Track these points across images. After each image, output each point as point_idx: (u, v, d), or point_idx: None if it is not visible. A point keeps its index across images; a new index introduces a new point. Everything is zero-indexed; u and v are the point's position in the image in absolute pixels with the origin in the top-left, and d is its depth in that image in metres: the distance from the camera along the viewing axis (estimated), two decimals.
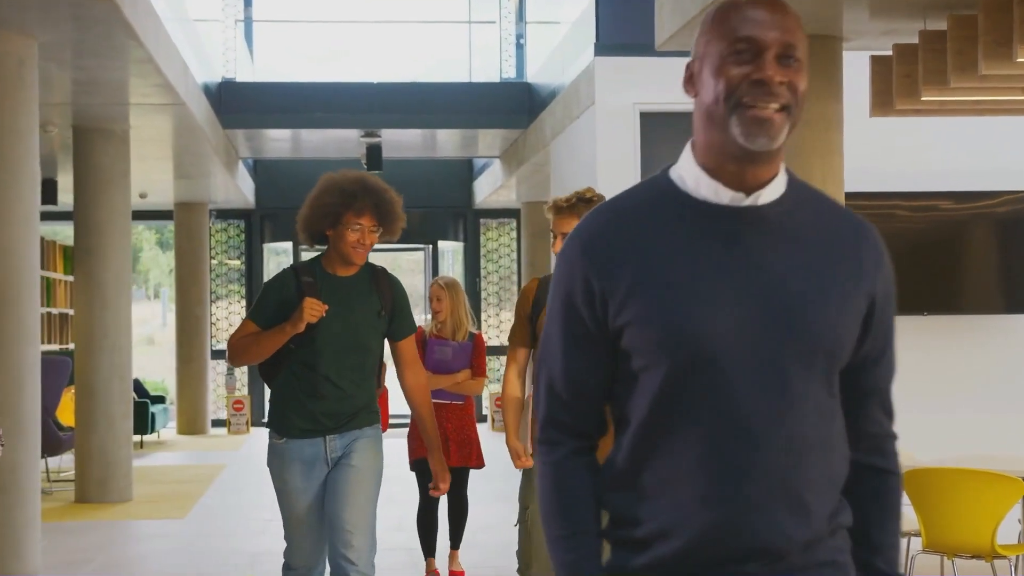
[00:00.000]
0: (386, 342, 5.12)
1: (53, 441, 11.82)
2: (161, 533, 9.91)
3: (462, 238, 19.57)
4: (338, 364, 4.90)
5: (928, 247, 10.50)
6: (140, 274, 28.72)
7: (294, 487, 4.97)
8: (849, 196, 8.99)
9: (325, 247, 5.00)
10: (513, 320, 5.25)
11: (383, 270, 5.09)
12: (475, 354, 7.59)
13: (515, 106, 14.43)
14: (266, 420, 5.34)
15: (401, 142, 15.74)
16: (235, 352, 5.00)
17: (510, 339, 5.22)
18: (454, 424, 7.50)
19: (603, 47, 10.58)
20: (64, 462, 13.56)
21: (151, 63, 8.80)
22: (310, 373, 4.90)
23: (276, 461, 5.02)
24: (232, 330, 16.24)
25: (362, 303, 4.95)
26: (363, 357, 4.96)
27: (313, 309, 4.80)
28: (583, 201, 4.87)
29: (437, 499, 7.46)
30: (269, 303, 4.97)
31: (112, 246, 11.37)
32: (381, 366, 5.20)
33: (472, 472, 7.68)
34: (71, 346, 15.69)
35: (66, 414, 12.69)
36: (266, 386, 5.38)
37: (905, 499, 6.05)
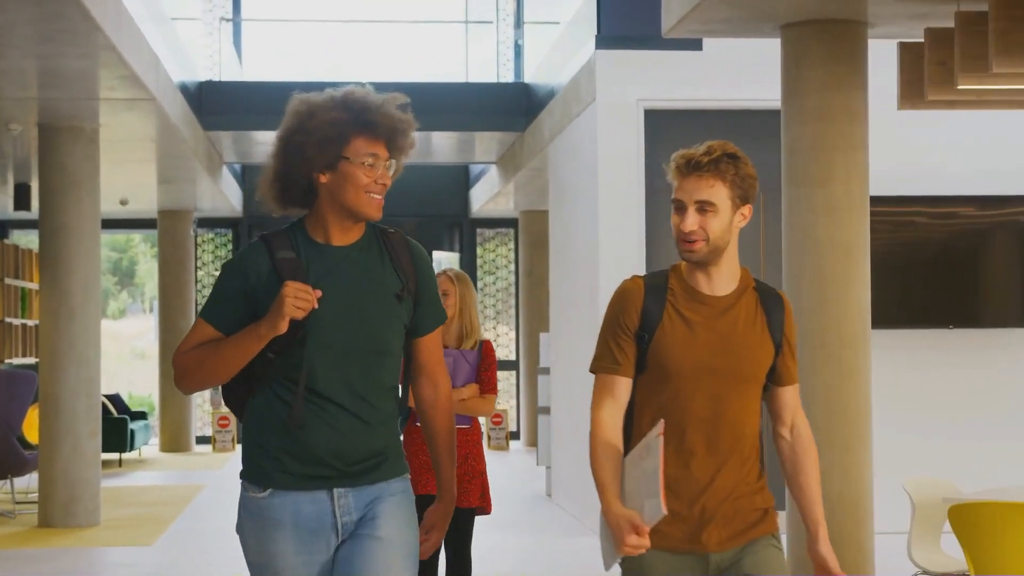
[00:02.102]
0: None
1: (17, 460, 11.11)
2: (125, 562, 9.18)
3: (458, 249, 18.92)
4: (343, 377, 3.32)
5: (948, 258, 9.85)
6: (137, 287, 28.10)
7: (283, 566, 3.36)
8: (877, 200, 8.29)
9: (304, 211, 3.44)
10: (600, 334, 3.61)
11: (398, 232, 3.50)
12: (484, 366, 6.01)
13: (512, 107, 13.73)
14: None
15: None
16: (184, 370, 3.38)
17: (599, 362, 3.56)
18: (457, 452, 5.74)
19: (604, 39, 9.87)
20: (32, 483, 12.83)
21: (114, 51, 8.13)
22: (295, 389, 3.33)
23: (254, 525, 3.39)
24: None
25: (373, 281, 3.38)
26: (380, 363, 3.37)
27: (299, 298, 3.22)
28: (730, 157, 3.44)
29: (435, 558, 5.60)
30: (230, 294, 3.36)
31: (80, 253, 10.67)
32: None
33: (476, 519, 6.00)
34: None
35: (33, 431, 11.98)
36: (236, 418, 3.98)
37: (952, 536, 5.35)
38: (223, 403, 3.71)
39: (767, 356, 3.47)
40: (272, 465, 3.34)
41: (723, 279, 3.47)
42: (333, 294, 3.31)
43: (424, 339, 3.51)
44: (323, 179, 3.33)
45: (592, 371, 3.48)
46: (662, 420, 3.31)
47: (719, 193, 3.38)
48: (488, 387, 6.00)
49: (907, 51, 7.03)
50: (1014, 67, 6.16)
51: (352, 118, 3.32)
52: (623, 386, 3.48)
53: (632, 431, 3.49)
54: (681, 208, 3.42)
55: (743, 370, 3.44)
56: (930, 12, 7.02)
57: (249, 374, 3.37)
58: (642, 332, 3.46)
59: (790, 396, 3.58)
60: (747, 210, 3.47)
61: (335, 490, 3.34)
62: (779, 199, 7.63)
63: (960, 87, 6.57)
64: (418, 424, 5.00)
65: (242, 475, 3.42)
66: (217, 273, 19.91)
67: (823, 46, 7.25)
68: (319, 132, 3.30)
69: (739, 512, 3.44)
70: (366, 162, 3.32)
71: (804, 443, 3.55)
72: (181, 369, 3.39)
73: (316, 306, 3.25)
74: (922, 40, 6.91)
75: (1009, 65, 6.14)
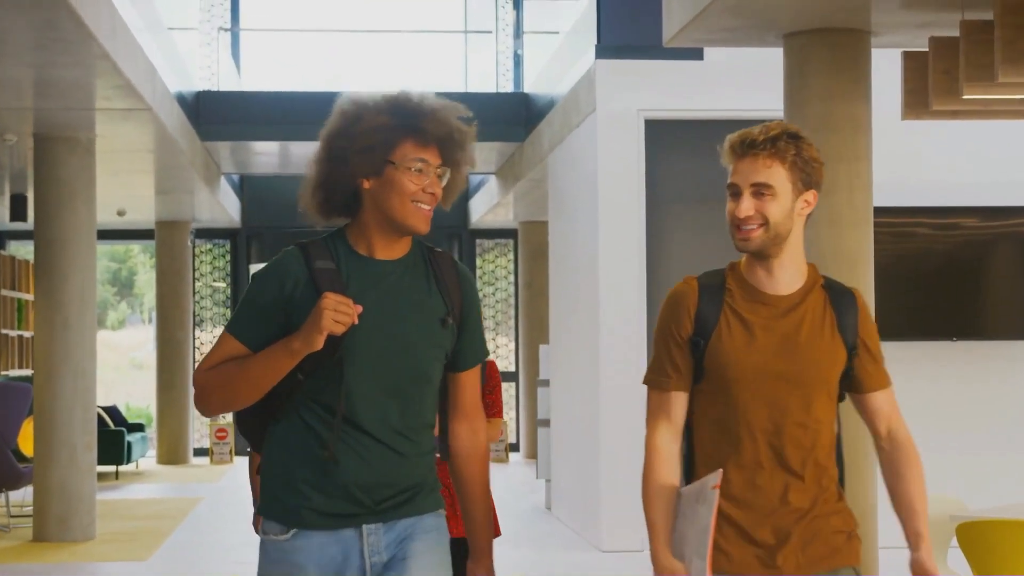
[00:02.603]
0: None
1: (12, 473, 11.01)
2: None
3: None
4: (380, 405, 3.03)
5: (952, 269, 9.77)
6: (136, 297, 28.04)
7: None
8: (881, 211, 8.21)
9: (346, 221, 3.14)
10: (654, 344, 3.27)
11: (446, 253, 3.22)
12: (488, 387, 5.63)
13: (511, 117, 13.66)
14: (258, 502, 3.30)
15: None
16: (207, 391, 3.06)
17: (651, 375, 3.23)
18: None
19: (605, 49, 9.80)
20: (27, 496, 12.72)
21: (109, 60, 8.05)
22: (331, 420, 3.01)
23: (275, 573, 3.07)
24: None
25: (417, 303, 3.09)
26: (420, 393, 3.08)
27: (339, 311, 2.91)
28: (790, 136, 3.14)
29: None
30: (262, 305, 3.05)
31: (75, 264, 10.59)
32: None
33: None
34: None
35: (28, 444, 11.88)
36: (250, 448, 3.47)
37: (959, 551, 5.26)
38: (239, 430, 3.20)
39: (837, 360, 3.19)
40: (298, 501, 3.02)
41: (786, 276, 3.17)
42: (374, 311, 3.00)
43: (463, 375, 3.19)
44: (367, 185, 3.05)
45: (645, 384, 3.20)
46: (720, 470, 3.04)
47: (777, 175, 3.10)
48: (493, 410, 5.60)
49: (911, 60, 6.94)
50: (1020, 76, 6.07)
51: (401, 122, 3.04)
52: (679, 403, 3.19)
53: (693, 451, 3.22)
54: (736, 193, 3.11)
55: (808, 375, 3.15)
56: (935, 21, 6.94)
57: (271, 397, 3.05)
58: (697, 338, 3.16)
59: (880, 402, 3.30)
60: (811, 196, 3.16)
61: (363, 527, 3.04)
62: None
63: (965, 96, 6.48)
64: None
65: (261, 511, 3.09)
66: (216, 284, 19.73)
67: (826, 55, 7.16)
68: (365, 137, 3.02)
69: (818, 534, 3.16)
70: (413, 167, 3.03)
71: (904, 451, 3.27)
72: (203, 389, 3.05)
73: (356, 322, 2.93)
74: (926, 49, 6.83)
75: (1015, 74, 6.05)
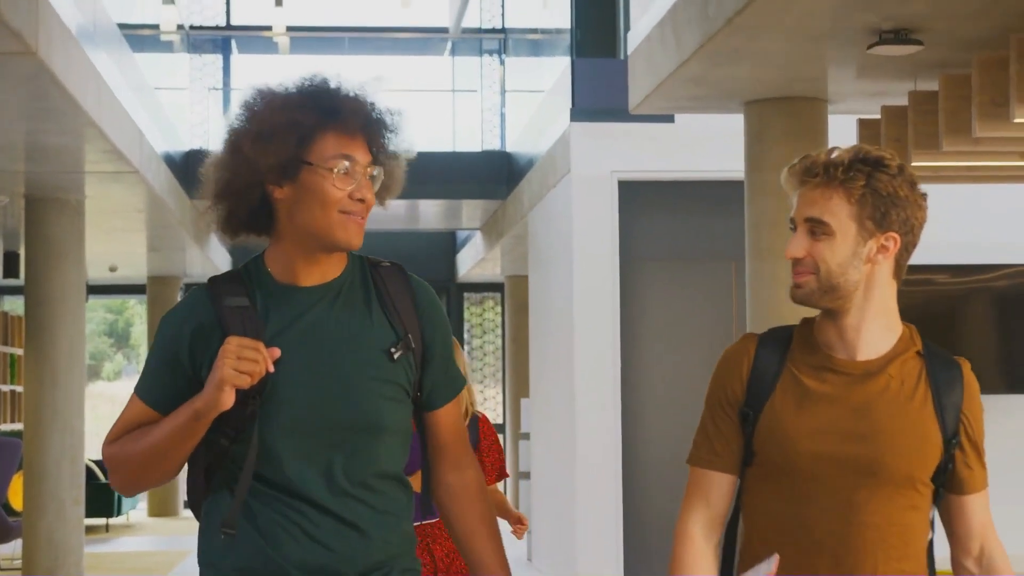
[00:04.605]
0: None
1: (2, 527, 11.20)
2: None
3: (445, 313, 19.07)
4: (319, 465, 2.43)
5: (925, 322, 9.99)
6: (132, 348, 28.21)
7: None
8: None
9: (261, 236, 2.53)
10: (702, 415, 2.64)
11: (396, 267, 2.58)
12: (483, 447, 4.95)
13: (494, 176, 13.96)
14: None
15: (383, 213, 15.19)
16: (112, 466, 2.50)
17: (692, 450, 2.64)
18: (446, 549, 4.80)
19: (579, 112, 10.10)
20: (16, 549, 12.90)
21: (95, 127, 8.32)
22: (267, 490, 2.43)
23: None
24: None
25: (354, 334, 2.48)
26: (371, 445, 2.46)
27: (243, 358, 2.33)
28: (863, 162, 2.47)
29: None
30: (161, 357, 2.49)
31: (65, 321, 10.82)
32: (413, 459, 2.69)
33: None
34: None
35: (18, 498, 12.08)
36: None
37: None
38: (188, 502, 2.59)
39: (930, 448, 2.48)
40: None
41: (865, 338, 2.51)
42: (298, 352, 2.42)
43: (438, 413, 2.59)
44: (279, 194, 2.43)
45: (687, 462, 2.61)
46: (776, 556, 2.42)
47: (837, 210, 2.46)
48: (491, 472, 4.95)
49: (865, 127, 7.22)
50: (963, 146, 6.34)
51: (318, 112, 2.41)
52: (721, 486, 2.56)
53: (740, 548, 2.60)
54: (793, 229, 2.53)
55: (889, 465, 2.45)
56: (887, 90, 7.23)
57: (203, 463, 2.49)
58: (746, 409, 2.52)
59: (976, 510, 2.54)
60: (891, 240, 2.49)
61: None
62: None
63: (914, 164, 6.75)
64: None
65: None
66: None
67: (785, 122, 7.44)
68: (273, 133, 2.39)
69: None
70: (336, 168, 2.41)
71: None
72: (108, 463, 2.51)
73: (271, 369, 2.36)
74: (879, 116, 7.11)
75: (958, 144, 6.32)
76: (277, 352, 2.38)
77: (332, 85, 2.44)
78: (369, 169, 2.45)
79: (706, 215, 9.92)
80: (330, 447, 2.42)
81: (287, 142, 2.39)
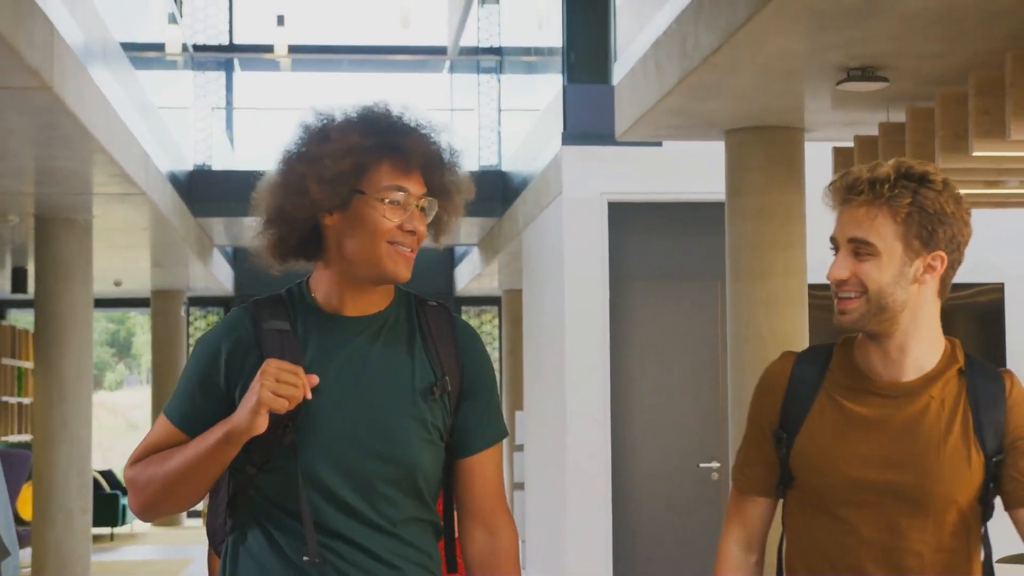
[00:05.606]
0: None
1: None
2: None
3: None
4: (352, 501, 2.35)
5: None
6: (134, 358, 28.53)
7: None
8: (816, 287, 8.82)
9: (311, 262, 2.50)
10: (744, 435, 2.61)
11: (442, 307, 2.55)
12: None
13: (490, 194, 14.29)
14: None
15: None
16: (134, 489, 2.38)
17: (733, 472, 2.61)
18: None
19: (571, 135, 10.44)
20: (25, 558, 13.22)
21: (104, 153, 8.66)
22: (291, 524, 2.35)
23: None
24: None
25: (395, 370, 2.41)
26: (406, 484, 2.39)
27: (282, 381, 2.25)
28: (907, 178, 2.40)
29: None
30: (196, 378, 2.41)
31: (73, 337, 11.16)
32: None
33: None
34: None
35: (27, 508, 12.40)
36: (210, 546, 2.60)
37: None
38: (208, 535, 2.53)
39: (972, 472, 2.38)
40: None
41: (909, 358, 2.43)
42: (336, 382, 2.35)
43: (473, 460, 2.45)
44: (329, 221, 2.39)
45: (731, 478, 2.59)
46: None
47: (882, 229, 2.38)
48: None
49: (840, 155, 7.56)
50: None
51: (376, 141, 2.37)
52: (757, 509, 2.52)
53: (784, 570, 2.54)
54: (835, 249, 2.45)
55: (931, 491, 2.37)
56: (860, 120, 7.56)
57: (227, 491, 2.40)
58: (781, 431, 2.46)
59: None
60: (938, 259, 2.41)
61: None
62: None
63: None
64: None
65: None
66: None
67: (763, 150, 7.77)
68: (330, 159, 2.35)
69: None
70: (388, 199, 2.37)
71: None
72: (131, 485, 2.40)
73: (308, 396, 2.27)
74: (852, 145, 7.46)
75: None
76: (315, 379, 2.30)
77: (394, 114, 2.40)
78: (422, 201, 2.41)
79: (693, 235, 10.26)
80: (357, 486, 2.34)
81: (343, 172, 2.35)
